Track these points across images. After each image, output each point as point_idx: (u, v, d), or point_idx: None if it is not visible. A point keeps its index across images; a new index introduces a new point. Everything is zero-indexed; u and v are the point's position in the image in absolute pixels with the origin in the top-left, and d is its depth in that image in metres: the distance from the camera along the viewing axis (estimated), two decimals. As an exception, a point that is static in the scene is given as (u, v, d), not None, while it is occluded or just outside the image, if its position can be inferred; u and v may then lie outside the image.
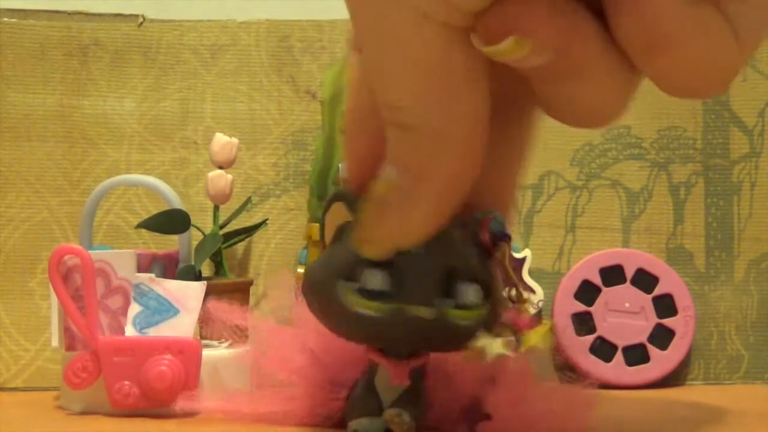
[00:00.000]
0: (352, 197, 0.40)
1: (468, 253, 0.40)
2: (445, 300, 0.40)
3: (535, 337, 0.41)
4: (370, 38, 0.34)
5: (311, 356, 0.48)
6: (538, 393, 0.46)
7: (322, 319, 0.42)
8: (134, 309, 0.55)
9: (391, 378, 0.42)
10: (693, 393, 0.65)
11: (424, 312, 0.39)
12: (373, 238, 0.38)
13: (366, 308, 0.40)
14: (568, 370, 0.68)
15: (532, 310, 0.68)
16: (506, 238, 0.40)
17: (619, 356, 0.66)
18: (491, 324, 0.40)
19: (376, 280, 0.40)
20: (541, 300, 0.68)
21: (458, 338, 0.40)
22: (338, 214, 0.41)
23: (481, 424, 0.43)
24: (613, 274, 0.67)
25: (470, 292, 0.40)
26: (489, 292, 0.40)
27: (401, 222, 0.36)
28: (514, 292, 0.41)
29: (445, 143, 0.35)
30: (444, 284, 0.40)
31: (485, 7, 0.30)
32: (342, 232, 0.41)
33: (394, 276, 0.40)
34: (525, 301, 0.41)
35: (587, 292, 0.67)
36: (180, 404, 0.49)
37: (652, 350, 0.66)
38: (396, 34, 0.32)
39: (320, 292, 0.41)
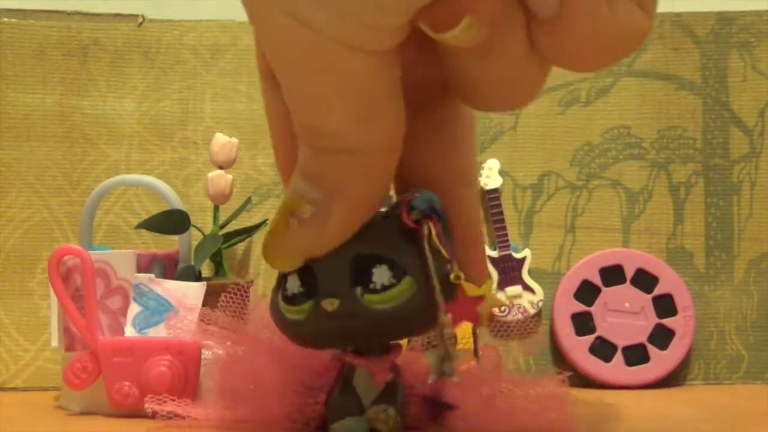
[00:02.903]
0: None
1: (376, 236, 0.40)
2: (354, 288, 0.39)
3: (473, 290, 0.40)
4: (293, 69, 0.33)
5: (284, 362, 0.48)
6: (512, 388, 0.47)
7: (280, 330, 0.42)
8: (134, 309, 0.55)
9: (374, 376, 0.43)
10: (693, 393, 0.65)
11: (332, 304, 0.39)
12: (283, 252, 0.38)
13: (291, 313, 0.41)
14: (568, 370, 0.68)
15: (532, 310, 0.68)
16: (433, 214, 0.40)
17: (619, 356, 0.66)
18: (422, 305, 0.39)
19: (292, 284, 0.40)
20: (541, 300, 0.68)
21: (385, 324, 0.40)
22: None
23: (444, 415, 0.43)
24: (613, 274, 0.67)
25: (377, 274, 0.39)
26: (404, 271, 0.39)
27: (314, 235, 0.37)
28: (449, 267, 0.40)
29: (363, 164, 0.35)
30: (354, 272, 0.40)
31: (409, 17, 0.30)
32: None
33: (306, 276, 0.40)
34: (459, 277, 0.40)
35: (587, 292, 0.67)
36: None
37: (652, 350, 0.66)
38: (323, 66, 0.32)
39: (270, 308, 0.42)
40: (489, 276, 0.45)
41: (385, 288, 0.39)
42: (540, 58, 0.33)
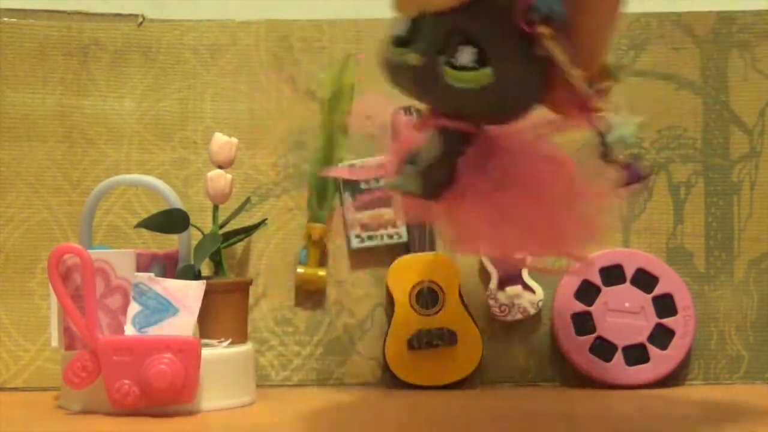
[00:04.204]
0: None
1: (484, 20, 0.42)
2: (439, 55, 0.43)
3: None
4: None
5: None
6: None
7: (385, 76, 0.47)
8: (134, 308, 0.55)
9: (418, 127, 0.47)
10: (693, 393, 0.65)
11: (417, 59, 0.43)
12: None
13: (391, 53, 0.45)
14: (569, 370, 0.68)
15: (532, 310, 0.68)
16: (553, 16, 0.41)
17: (619, 356, 0.66)
18: (497, 98, 0.43)
19: (400, 25, 0.44)
20: (541, 300, 0.68)
21: (458, 101, 0.44)
22: None
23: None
24: (613, 274, 0.67)
25: (463, 54, 0.42)
26: (488, 60, 0.42)
27: None
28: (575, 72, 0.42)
29: None
30: (447, 41, 0.43)
31: None
32: None
33: (413, 27, 0.44)
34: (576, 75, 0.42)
35: (587, 292, 0.67)
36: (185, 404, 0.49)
37: (652, 350, 0.66)
38: None
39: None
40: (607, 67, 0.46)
41: (464, 68, 0.42)
42: None
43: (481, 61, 0.42)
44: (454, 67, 0.42)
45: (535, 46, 0.41)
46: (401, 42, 0.44)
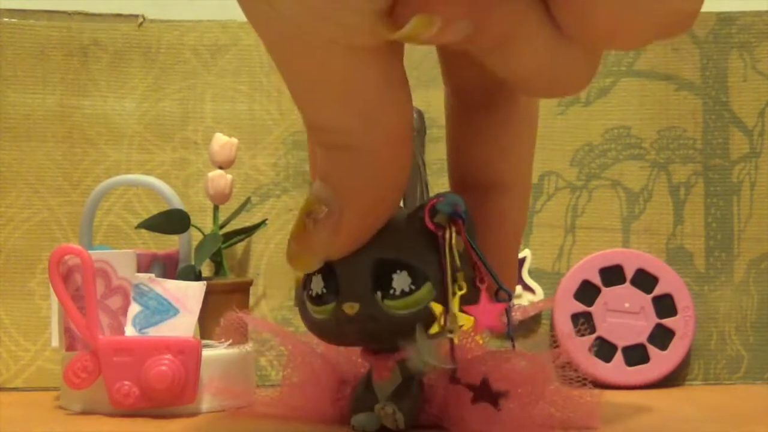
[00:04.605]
0: None
1: (397, 241, 0.40)
2: (375, 293, 0.40)
3: (465, 320, 0.40)
4: (285, 64, 0.34)
5: (321, 359, 0.48)
6: (546, 394, 0.47)
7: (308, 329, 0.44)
8: (134, 309, 0.55)
9: (374, 372, 0.43)
10: (693, 393, 0.65)
11: (352, 308, 0.40)
12: (302, 253, 0.39)
13: (317, 313, 0.42)
14: (569, 370, 0.68)
15: (526, 301, 0.68)
16: (458, 218, 0.40)
17: (618, 356, 0.66)
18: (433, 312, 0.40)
19: (317, 284, 0.41)
20: (541, 300, 0.68)
21: (404, 327, 0.40)
22: None
23: (502, 400, 0.43)
24: (612, 275, 0.67)
25: (397, 280, 0.40)
26: (424, 277, 0.40)
27: (329, 237, 0.37)
28: (460, 275, 0.40)
29: (370, 160, 0.35)
30: (376, 277, 0.40)
31: (373, 17, 0.30)
32: None
33: (330, 278, 0.41)
34: (461, 284, 0.40)
35: (587, 292, 0.67)
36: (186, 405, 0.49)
37: (652, 350, 0.66)
38: (306, 60, 0.32)
39: (297, 304, 0.43)
40: (514, 286, 0.45)
41: (404, 294, 0.40)
42: (569, 39, 0.32)
43: (416, 281, 0.40)
44: (395, 297, 0.40)
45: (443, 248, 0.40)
46: (321, 299, 0.41)
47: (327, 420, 0.47)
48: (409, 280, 0.40)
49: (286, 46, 0.33)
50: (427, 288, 0.40)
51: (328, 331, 0.42)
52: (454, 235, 0.40)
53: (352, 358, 0.47)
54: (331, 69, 0.32)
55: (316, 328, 0.42)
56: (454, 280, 0.40)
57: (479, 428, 0.43)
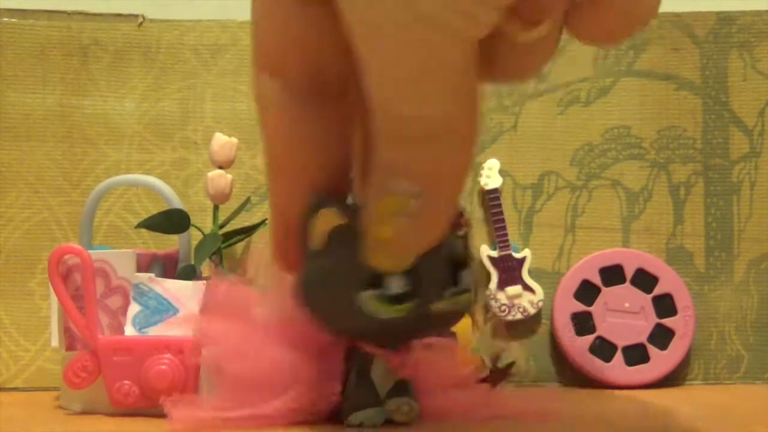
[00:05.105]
0: (342, 202, 0.41)
1: (459, 240, 0.42)
2: (452, 288, 0.42)
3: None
4: (383, 56, 0.33)
5: (292, 353, 0.47)
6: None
7: (328, 324, 0.43)
8: (134, 308, 0.55)
9: (392, 369, 0.44)
10: (693, 393, 0.65)
11: (441, 306, 0.41)
12: (399, 254, 0.38)
13: (392, 312, 0.41)
14: (569, 370, 0.68)
15: (532, 310, 0.68)
16: (462, 213, 0.42)
17: (618, 356, 0.66)
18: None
19: (398, 284, 0.41)
20: (541, 300, 0.68)
21: (460, 318, 0.43)
22: (324, 221, 0.41)
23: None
24: (612, 274, 0.67)
25: (466, 276, 0.42)
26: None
27: (426, 230, 0.37)
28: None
29: (456, 146, 0.35)
30: (452, 275, 0.42)
31: (504, 14, 0.31)
32: (336, 238, 0.41)
33: (413, 277, 0.41)
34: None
35: (587, 292, 0.67)
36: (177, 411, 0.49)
37: (652, 350, 0.66)
38: (416, 51, 0.32)
39: (333, 302, 0.42)
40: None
41: (467, 290, 0.42)
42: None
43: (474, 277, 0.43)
44: (461, 293, 0.42)
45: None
46: (401, 299, 0.41)
47: (310, 420, 0.46)
48: (471, 276, 0.42)
49: (391, 38, 0.32)
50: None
51: (395, 329, 0.42)
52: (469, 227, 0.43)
53: (329, 351, 0.47)
54: (442, 59, 0.32)
55: (375, 326, 0.42)
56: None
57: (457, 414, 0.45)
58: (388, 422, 0.45)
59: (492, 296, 0.68)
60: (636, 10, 0.33)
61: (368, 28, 0.33)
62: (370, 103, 0.35)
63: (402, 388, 0.45)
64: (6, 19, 0.70)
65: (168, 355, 0.52)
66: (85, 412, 0.54)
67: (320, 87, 0.38)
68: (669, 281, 0.67)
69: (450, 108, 0.34)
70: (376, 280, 0.41)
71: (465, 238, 0.42)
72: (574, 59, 0.71)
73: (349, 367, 0.45)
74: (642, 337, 0.66)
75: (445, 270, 0.41)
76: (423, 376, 0.46)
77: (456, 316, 0.43)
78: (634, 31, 0.34)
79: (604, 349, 0.67)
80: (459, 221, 0.42)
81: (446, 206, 0.37)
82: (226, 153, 0.65)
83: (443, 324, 0.43)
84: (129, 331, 0.54)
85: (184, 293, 0.55)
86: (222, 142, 0.65)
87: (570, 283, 0.67)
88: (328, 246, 0.41)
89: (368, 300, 0.41)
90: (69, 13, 0.71)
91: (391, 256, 0.38)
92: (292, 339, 0.47)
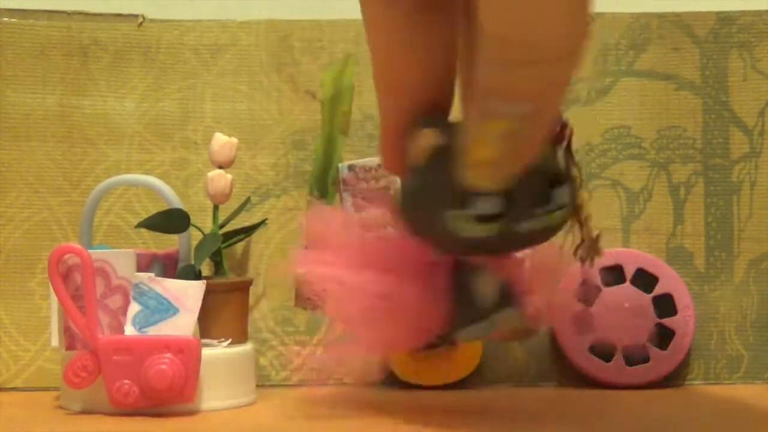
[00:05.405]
0: (444, 122, 0.42)
1: (558, 156, 0.42)
2: (544, 207, 0.42)
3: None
4: None
5: (397, 277, 0.47)
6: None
7: (422, 239, 0.44)
8: (134, 308, 0.55)
9: (495, 272, 0.44)
10: (693, 393, 0.65)
11: (529, 225, 0.42)
12: (501, 173, 0.39)
13: (477, 231, 0.42)
14: (569, 370, 0.68)
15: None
16: (566, 124, 0.43)
17: (618, 356, 0.66)
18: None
19: (490, 205, 0.42)
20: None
21: (552, 235, 0.44)
22: None
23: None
24: (612, 274, 0.67)
25: (564, 195, 0.42)
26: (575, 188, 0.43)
27: (528, 149, 0.38)
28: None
29: (560, 71, 0.35)
30: (545, 193, 0.42)
31: None
32: (434, 158, 0.42)
33: (506, 197, 0.42)
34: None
35: (587, 292, 0.67)
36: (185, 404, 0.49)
37: (652, 350, 0.66)
38: None
39: (425, 218, 0.43)
40: None
41: (561, 207, 0.43)
42: None
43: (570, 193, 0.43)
44: (555, 210, 0.43)
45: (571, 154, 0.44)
46: (491, 217, 0.42)
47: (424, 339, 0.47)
48: (568, 191, 0.43)
49: None
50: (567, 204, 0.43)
51: (485, 248, 0.43)
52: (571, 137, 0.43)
53: (419, 266, 0.47)
54: None
55: (463, 244, 0.43)
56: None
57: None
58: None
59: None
60: None
61: None
62: (477, 25, 0.35)
63: (507, 298, 0.45)
64: (6, 19, 0.70)
65: (168, 355, 0.52)
66: (85, 412, 0.54)
67: (427, 3, 0.38)
68: (669, 281, 0.67)
69: (560, 32, 0.34)
70: (467, 199, 0.42)
71: (567, 151, 0.42)
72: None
73: (454, 285, 0.45)
74: (642, 337, 0.66)
75: (541, 188, 0.42)
76: (527, 281, 0.46)
77: (546, 234, 0.43)
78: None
79: (604, 349, 0.67)
80: (562, 133, 0.42)
81: (549, 124, 0.38)
82: (226, 153, 0.65)
83: (533, 242, 0.44)
84: (129, 330, 0.54)
85: (184, 293, 0.55)
86: (222, 142, 0.65)
87: (570, 283, 0.67)
88: (426, 164, 0.42)
89: (455, 218, 0.42)
90: (69, 13, 0.71)
91: (490, 175, 0.39)
92: (393, 261, 0.47)
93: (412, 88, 0.41)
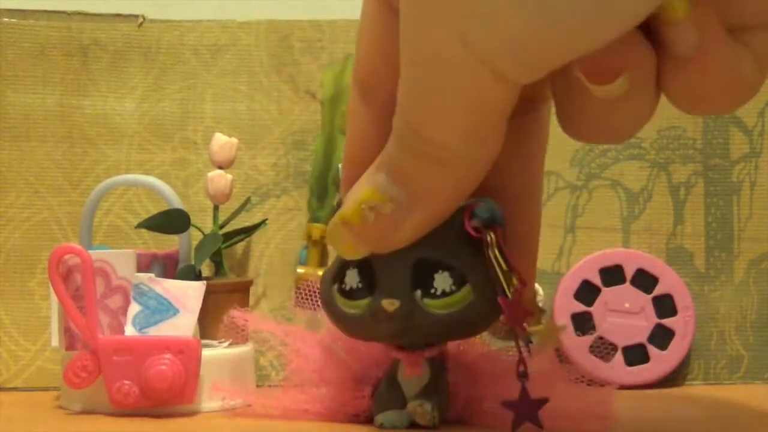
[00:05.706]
0: None
1: (439, 242, 0.40)
2: (415, 291, 0.41)
3: (544, 334, 0.42)
4: (427, 81, 0.33)
5: (336, 357, 0.49)
6: (563, 391, 0.47)
7: (332, 323, 0.44)
8: (134, 309, 0.55)
9: (405, 367, 0.43)
10: (693, 393, 0.65)
11: (392, 305, 0.41)
12: (352, 242, 0.39)
13: (348, 307, 0.42)
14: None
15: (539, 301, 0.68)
16: (495, 224, 0.41)
17: (618, 356, 0.66)
18: (479, 312, 0.41)
19: (352, 279, 0.42)
20: (541, 300, 0.68)
21: (441, 327, 0.41)
22: None
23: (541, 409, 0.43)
24: (612, 274, 0.67)
25: (439, 280, 0.41)
26: (464, 278, 0.41)
27: (388, 233, 0.38)
28: (501, 277, 0.40)
29: (457, 176, 0.36)
30: (416, 276, 0.41)
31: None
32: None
33: (367, 273, 0.42)
34: (513, 284, 0.40)
35: (587, 292, 0.67)
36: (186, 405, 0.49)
37: (652, 350, 0.66)
38: (457, 84, 0.32)
39: (323, 298, 0.44)
40: (535, 292, 0.46)
41: (445, 294, 0.41)
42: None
43: (457, 282, 0.41)
44: (435, 297, 0.41)
45: (486, 252, 0.41)
46: (356, 294, 0.42)
47: (346, 419, 0.47)
48: (450, 280, 0.41)
49: (436, 68, 0.32)
50: (467, 289, 0.41)
51: (360, 327, 0.42)
52: (494, 239, 0.40)
53: (364, 355, 0.48)
54: (478, 96, 0.32)
55: (346, 322, 0.43)
56: (508, 281, 0.40)
57: (500, 422, 0.44)
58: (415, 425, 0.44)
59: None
60: (736, 74, 0.31)
61: (416, 47, 0.33)
62: (397, 106, 0.35)
63: (429, 390, 0.44)
64: (6, 19, 0.70)
65: (168, 355, 0.52)
66: (85, 412, 0.54)
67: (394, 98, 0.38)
68: (669, 281, 0.67)
69: (472, 143, 0.34)
70: (339, 274, 0.43)
71: (492, 250, 0.41)
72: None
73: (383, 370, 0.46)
74: (642, 337, 0.66)
75: (405, 272, 0.41)
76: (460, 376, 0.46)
77: (437, 320, 0.41)
78: (737, 102, 0.32)
79: (604, 349, 0.67)
80: (480, 234, 0.41)
81: (422, 224, 0.37)
82: (226, 153, 0.65)
83: (426, 329, 0.41)
84: (129, 331, 0.54)
85: (184, 293, 0.55)
86: (222, 142, 0.65)
87: (570, 283, 0.67)
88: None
89: (334, 293, 0.43)
90: (69, 14, 0.71)
91: (348, 242, 0.39)
92: (341, 343, 0.48)
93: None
